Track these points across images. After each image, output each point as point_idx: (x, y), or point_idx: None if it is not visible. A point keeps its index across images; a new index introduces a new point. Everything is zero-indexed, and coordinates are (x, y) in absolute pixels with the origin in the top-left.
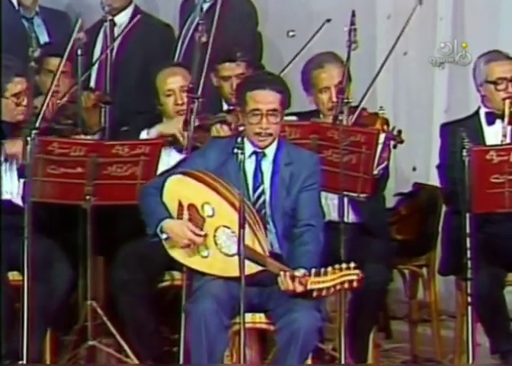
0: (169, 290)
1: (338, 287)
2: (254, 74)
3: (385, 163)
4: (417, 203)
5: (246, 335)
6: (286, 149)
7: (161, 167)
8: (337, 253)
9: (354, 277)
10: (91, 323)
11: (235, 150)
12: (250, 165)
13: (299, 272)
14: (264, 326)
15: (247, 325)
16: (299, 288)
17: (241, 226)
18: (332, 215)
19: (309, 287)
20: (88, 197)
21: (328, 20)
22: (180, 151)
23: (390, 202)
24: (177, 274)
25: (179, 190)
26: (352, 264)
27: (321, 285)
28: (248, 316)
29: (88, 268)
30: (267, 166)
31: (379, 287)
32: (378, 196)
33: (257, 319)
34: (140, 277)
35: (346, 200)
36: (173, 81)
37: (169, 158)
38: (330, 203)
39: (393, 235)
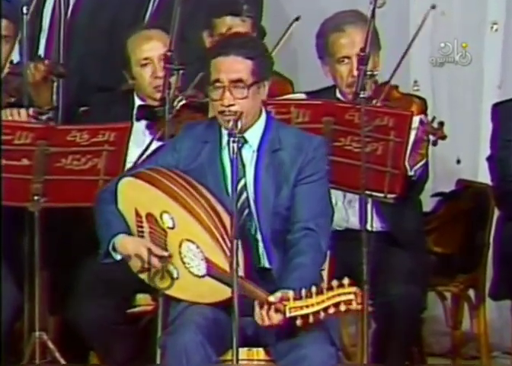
0: (142, 316)
1: (332, 310)
2: (222, 37)
3: (424, 161)
4: (461, 206)
5: None
6: (275, 131)
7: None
8: (356, 270)
9: (351, 297)
10: (39, 360)
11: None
12: (227, 155)
13: (274, 297)
14: (262, 364)
15: (242, 363)
16: (276, 318)
17: (234, 236)
18: (351, 221)
19: (289, 314)
20: (35, 198)
21: None
22: (160, 140)
23: (427, 205)
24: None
25: (133, 196)
26: (346, 281)
27: (304, 310)
28: (243, 351)
29: (36, 289)
30: (249, 155)
31: (411, 315)
32: (411, 198)
33: (254, 356)
34: (110, 309)
35: (369, 201)
36: (150, 48)
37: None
38: (348, 205)
39: (430, 248)
